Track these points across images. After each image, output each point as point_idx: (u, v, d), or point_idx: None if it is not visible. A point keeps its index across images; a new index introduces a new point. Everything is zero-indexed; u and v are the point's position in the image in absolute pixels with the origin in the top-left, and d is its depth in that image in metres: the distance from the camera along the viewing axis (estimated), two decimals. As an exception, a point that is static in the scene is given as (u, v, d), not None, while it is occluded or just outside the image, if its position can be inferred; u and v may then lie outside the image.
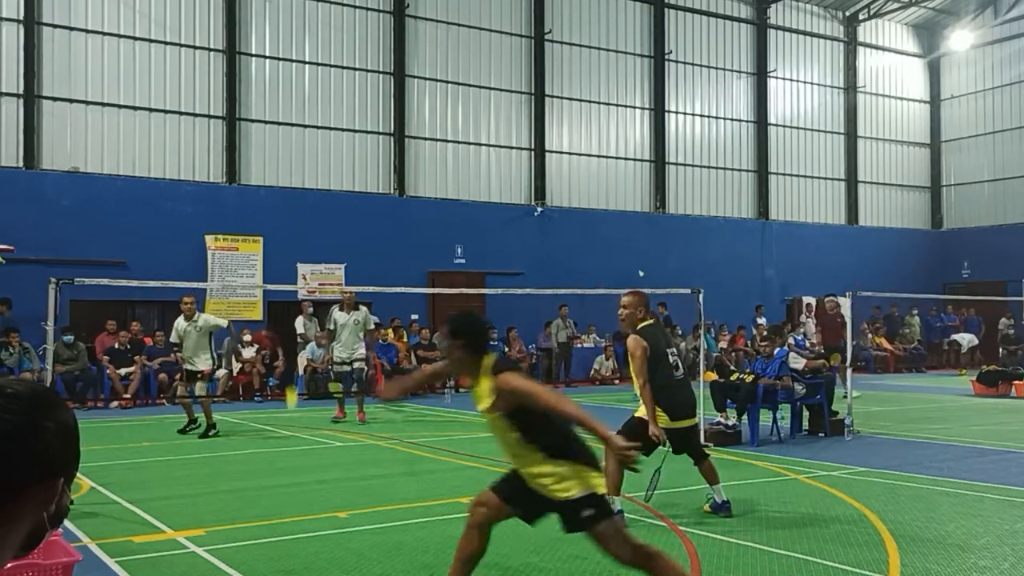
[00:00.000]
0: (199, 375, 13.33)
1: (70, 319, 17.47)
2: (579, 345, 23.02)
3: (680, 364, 7.67)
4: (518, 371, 4.95)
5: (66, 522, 7.11)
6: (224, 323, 13.87)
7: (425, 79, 23.18)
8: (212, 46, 20.72)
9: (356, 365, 14.75)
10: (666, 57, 26.57)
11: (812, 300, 26.71)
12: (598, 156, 25.59)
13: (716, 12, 27.68)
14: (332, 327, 15.05)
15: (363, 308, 15.23)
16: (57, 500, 1.49)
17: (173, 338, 13.84)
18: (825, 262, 28.12)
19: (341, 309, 14.98)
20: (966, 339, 27.93)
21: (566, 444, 4.81)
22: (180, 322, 13.39)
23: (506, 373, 4.85)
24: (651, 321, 7.69)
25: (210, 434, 12.97)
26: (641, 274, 23.04)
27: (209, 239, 20.05)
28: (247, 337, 19.06)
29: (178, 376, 14.71)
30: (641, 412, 7.42)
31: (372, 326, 15.20)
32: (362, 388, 14.74)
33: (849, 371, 13.36)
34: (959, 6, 30.87)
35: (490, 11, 24.05)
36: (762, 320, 25.12)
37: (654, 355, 7.38)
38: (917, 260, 30.42)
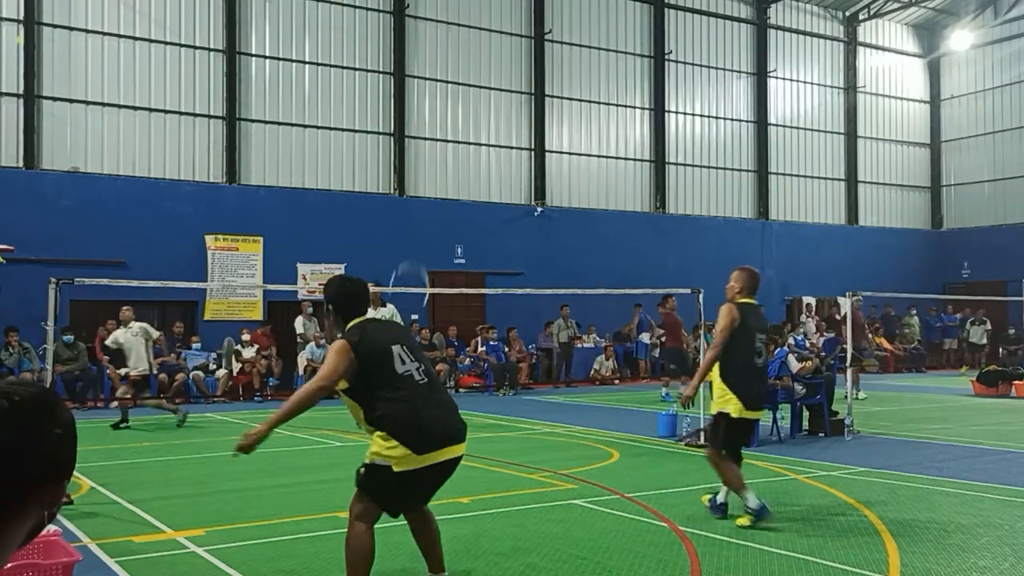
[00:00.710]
0: (126, 377, 13.91)
1: (70, 319, 17.47)
2: (579, 345, 23.01)
3: (764, 352, 7.72)
4: (352, 339, 4.79)
5: (66, 522, 7.11)
6: (157, 335, 14.35)
7: (425, 79, 23.17)
8: (212, 46, 20.71)
9: None
10: (666, 57, 26.56)
11: (812, 300, 26.69)
12: (598, 156, 25.58)
13: (716, 12, 27.67)
14: None
15: (390, 305, 14.85)
16: (56, 498, 1.51)
17: (110, 342, 14.37)
18: (825, 262, 28.11)
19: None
20: (978, 332, 27.85)
21: (392, 418, 4.77)
22: (119, 331, 14.04)
23: (337, 340, 4.82)
24: (753, 302, 7.72)
25: (121, 426, 13.61)
26: None
27: (209, 239, 20.05)
28: (246, 336, 19.07)
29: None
30: (718, 406, 7.48)
31: (401, 323, 14.97)
32: None
33: (850, 372, 13.34)
34: (959, 6, 30.86)
35: (490, 11, 24.04)
36: (762, 320, 25.07)
37: (742, 331, 7.41)
38: (917, 260, 30.41)
